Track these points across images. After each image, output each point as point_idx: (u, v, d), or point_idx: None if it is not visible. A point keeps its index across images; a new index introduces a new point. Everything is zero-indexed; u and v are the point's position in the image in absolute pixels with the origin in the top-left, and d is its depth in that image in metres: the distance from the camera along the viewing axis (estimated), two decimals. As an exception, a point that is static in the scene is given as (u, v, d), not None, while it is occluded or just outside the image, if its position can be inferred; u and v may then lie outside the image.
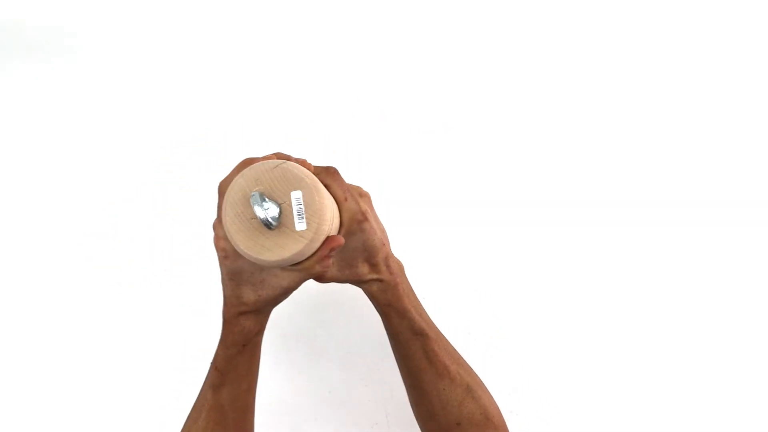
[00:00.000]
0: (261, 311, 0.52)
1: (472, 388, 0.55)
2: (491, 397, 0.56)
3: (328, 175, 0.49)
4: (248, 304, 0.50)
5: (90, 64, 1.00)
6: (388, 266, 0.54)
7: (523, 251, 0.80)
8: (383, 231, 0.56)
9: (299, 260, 0.46)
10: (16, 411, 0.74)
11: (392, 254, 0.56)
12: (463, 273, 0.78)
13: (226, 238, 0.47)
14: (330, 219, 0.46)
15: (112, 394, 0.74)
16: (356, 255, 0.52)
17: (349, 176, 0.52)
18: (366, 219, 0.51)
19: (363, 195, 0.54)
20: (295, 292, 0.74)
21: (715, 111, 0.90)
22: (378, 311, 0.56)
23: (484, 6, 0.96)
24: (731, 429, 0.68)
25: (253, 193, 0.43)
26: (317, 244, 0.45)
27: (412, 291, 0.57)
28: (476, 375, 0.57)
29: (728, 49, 0.94)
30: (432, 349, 0.54)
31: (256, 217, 0.43)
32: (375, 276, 0.54)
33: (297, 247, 0.43)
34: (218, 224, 0.48)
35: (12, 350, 0.78)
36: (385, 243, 0.54)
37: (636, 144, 0.87)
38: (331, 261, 0.48)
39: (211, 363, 0.52)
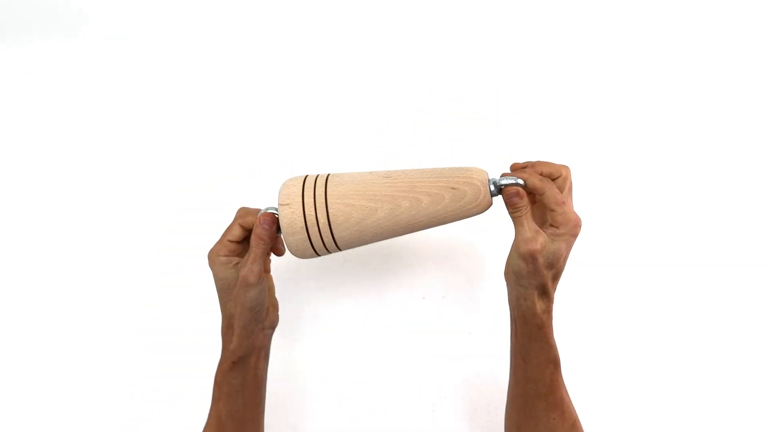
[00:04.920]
0: (241, 332, 0.55)
1: (576, 425, 0.57)
2: None
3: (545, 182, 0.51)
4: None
5: (91, 56, 0.97)
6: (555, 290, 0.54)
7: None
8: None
9: None
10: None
11: None
12: (467, 277, 0.79)
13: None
14: None
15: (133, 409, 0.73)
16: (555, 260, 0.52)
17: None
18: (577, 234, 0.51)
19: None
20: (296, 293, 0.75)
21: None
22: (520, 330, 0.56)
23: (491, 9, 0.94)
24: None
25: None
26: None
27: None
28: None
29: None
30: (558, 379, 0.56)
31: None
32: (551, 292, 0.53)
33: None
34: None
35: (34, 370, 0.75)
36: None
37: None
38: None
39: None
